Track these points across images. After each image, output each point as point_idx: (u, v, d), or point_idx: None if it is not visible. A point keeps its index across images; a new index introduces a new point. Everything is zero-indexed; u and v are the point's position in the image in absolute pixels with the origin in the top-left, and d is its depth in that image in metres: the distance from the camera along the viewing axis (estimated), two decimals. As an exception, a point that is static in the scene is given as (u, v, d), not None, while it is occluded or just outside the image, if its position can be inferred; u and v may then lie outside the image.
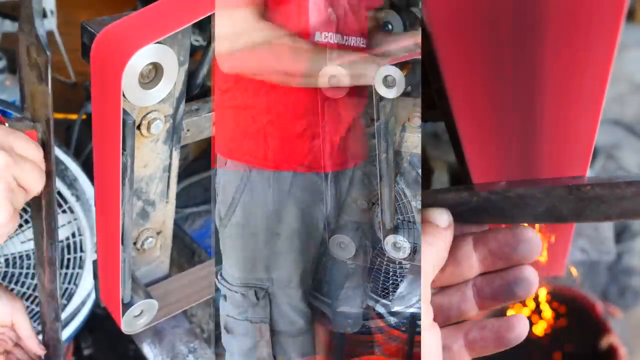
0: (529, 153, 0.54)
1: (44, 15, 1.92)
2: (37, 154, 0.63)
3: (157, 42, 0.64)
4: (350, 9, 0.80)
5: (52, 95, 0.62)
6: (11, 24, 2.64)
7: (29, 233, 1.01)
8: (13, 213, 0.60)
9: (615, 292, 2.05)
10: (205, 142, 0.88)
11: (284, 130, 0.81)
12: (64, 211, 1.04)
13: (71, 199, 1.03)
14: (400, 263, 0.87)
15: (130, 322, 0.83)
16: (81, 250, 1.10)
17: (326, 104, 0.79)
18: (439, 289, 0.56)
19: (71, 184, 1.04)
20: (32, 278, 1.08)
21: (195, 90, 0.84)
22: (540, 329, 1.72)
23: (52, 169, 0.66)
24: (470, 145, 0.55)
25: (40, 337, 0.82)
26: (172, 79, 0.69)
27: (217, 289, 0.89)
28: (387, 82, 0.70)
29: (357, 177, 0.88)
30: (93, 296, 1.14)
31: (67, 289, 1.10)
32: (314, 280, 0.91)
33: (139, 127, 0.73)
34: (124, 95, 0.63)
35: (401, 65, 0.70)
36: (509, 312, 1.48)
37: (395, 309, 0.88)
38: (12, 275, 1.06)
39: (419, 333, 0.52)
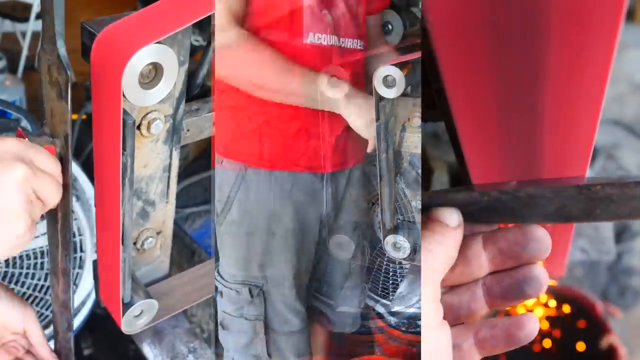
0: (528, 153, 0.54)
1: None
2: (55, 168, 0.64)
3: (157, 42, 0.64)
4: (348, 12, 0.80)
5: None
6: (11, 24, 2.64)
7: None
8: (31, 224, 0.62)
9: (615, 292, 2.05)
10: (205, 142, 0.88)
11: (280, 130, 0.81)
12: (64, 211, 1.04)
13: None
14: (400, 263, 0.87)
15: (130, 322, 0.82)
16: (81, 250, 1.10)
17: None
18: (448, 288, 0.56)
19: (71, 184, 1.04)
20: (32, 278, 1.08)
21: (195, 90, 0.84)
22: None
23: (69, 183, 0.67)
24: (470, 145, 0.55)
25: (52, 344, 0.82)
26: (172, 79, 0.69)
27: (217, 288, 0.89)
28: (387, 82, 0.70)
29: (356, 177, 0.88)
30: (93, 296, 1.14)
31: (67, 289, 1.10)
32: (313, 280, 0.91)
33: (139, 127, 0.73)
34: (124, 95, 0.63)
35: (401, 65, 0.70)
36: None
37: (395, 309, 0.89)
38: (12, 275, 1.06)
39: (419, 333, 0.52)
